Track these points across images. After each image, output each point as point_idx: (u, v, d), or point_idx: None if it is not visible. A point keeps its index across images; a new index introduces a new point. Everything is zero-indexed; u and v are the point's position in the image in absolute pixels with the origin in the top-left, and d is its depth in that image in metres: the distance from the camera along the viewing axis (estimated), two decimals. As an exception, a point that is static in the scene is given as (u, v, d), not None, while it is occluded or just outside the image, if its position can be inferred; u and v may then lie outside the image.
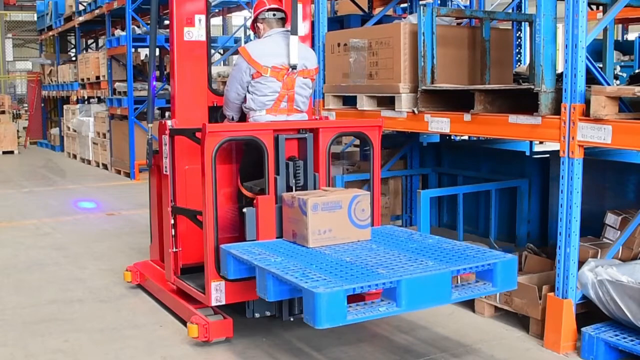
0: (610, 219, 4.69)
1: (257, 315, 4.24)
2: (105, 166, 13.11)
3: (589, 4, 4.17)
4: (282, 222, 4.05)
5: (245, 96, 4.40)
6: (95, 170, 13.29)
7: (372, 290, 3.20)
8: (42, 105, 18.74)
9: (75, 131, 14.72)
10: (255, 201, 4.06)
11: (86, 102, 14.85)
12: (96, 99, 14.20)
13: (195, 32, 4.61)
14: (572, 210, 3.92)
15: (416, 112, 4.83)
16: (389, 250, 3.76)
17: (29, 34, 24.87)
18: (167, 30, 8.22)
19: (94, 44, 18.93)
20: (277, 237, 4.06)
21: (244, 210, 4.07)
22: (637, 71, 7.52)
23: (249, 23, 8.73)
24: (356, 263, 3.48)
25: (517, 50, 8.27)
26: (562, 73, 3.94)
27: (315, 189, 4.22)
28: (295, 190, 4.19)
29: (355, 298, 3.25)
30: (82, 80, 14.07)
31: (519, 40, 8.40)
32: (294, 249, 3.82)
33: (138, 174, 11.55)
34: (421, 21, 4.73)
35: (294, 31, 4.32)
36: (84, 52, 15.91)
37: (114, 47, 12.05)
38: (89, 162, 13.99)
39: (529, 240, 5.37)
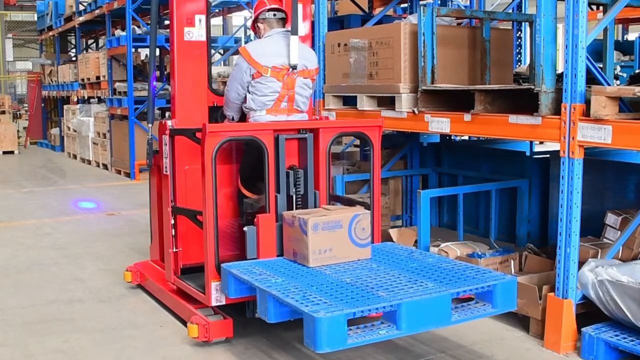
0: (611, 219, 4.69)
1: (257, 315, 4.23)
2: (105, 166, 13.11)
3: (589, 4, 4.17)
4: (283, 240, 4.06)
5: (246, 96, 4.40)
6: (95, 170, 13.29)
7: (373, 314, 3.22)
8: (42, 105, 18.74)
9: (75, 131, 14.72)
10: (256, 219, 4.07)
11: (86, 102, 14.85)
12: (96, 99, 14.20)
13: (196, 32, 4.61)
14: (572, 210, 3.92)
15: (416, 112, 4.83)
16: (389, 270, 3.78)
17: (29, 34, 24.88)
18: (167, 30, 8.22)
19: (94, 44, 18.92)
20: (277, 255, 4.07)
21: (245, 229, 4.08)
22: (637, 71, 7.52)
23: (249, 23, 8.72)
24: (356, 284, 3.49)
25: (517, 50, 8.26)
26: (562, 73, 3.94)
27: (315, 206, 4.23)
28: (296, 201, 4.20)
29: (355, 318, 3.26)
30: (82, 80, 14.07)
31: (519, 40, 8.39)
32: (295, 268, 3.83)
33: (138, 174, 11.55)
34: (421, 21, 4.73)
35: (294, 31, 4.32)
36: (84, 52, 15.90)
37: (114, 47, 12.05)
38: (89, 162, 13.99)
39: (529, 240, 5.36)
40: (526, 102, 4.07)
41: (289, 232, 3.97)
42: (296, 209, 4.20)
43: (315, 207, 4.23)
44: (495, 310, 3.56)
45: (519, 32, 8.36)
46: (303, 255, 3.86)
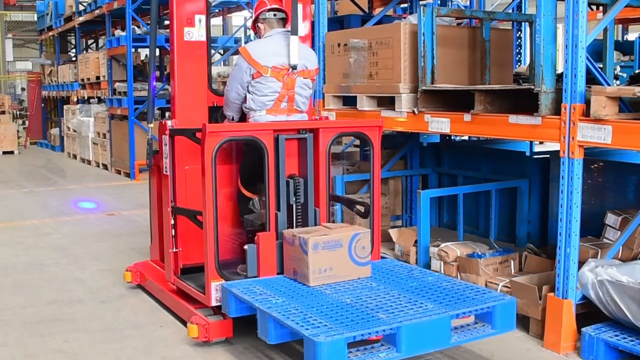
0: (610, 219, 4.69)
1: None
2: (105, 166, 13.11)
3: (589, 4, 4.17)
4: (283, 258, 4.07)
5: (246, 96, 4.40)
6: (95, 170, 13.29)
7: (373, 337, 3.23)
8: (42, 105, 18.74)
9: (75, 131, 14.72)
10: (256, 237, 4.08)
11: (86, 102, 14.85)
12: (96, 99, 14.20)
13: (196, 32, 4.61)
14: (572, 210, 3.92)
15: (416, 112, 4.83)
16: (389, 289, 3.80)
17: (29, 34, 24.85)
18: (167, 30, 8.21)
19: (94, 44, 18.92)
20: (278, 273, 4.09)
21: (245, 247, 4.09)
22: (637, 71, 7.52)
23: (249, 23, 8.73)
24: (356, 306, 3.51)
25: (517, 50, 8.26)
26: (562, 73, 3.94)
27: (316, 222, 4.23)
28: (296, 211, 4.20)
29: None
30: (82, 80, 14.07)
31: (519, 40, 8.39)
32: (295, 287, 3.85)
33: (138, 174, 11.55)
34: (421, 21, 4.73)
35: (294, 31, 4.32)
36: (84, 52, 15.90)
37: (114, 47, 12.05)
38: (89, 162, 13.99)
39: (529, 240, 5.36)
40: (526, 102, 4.07)
41: (290, 251, 3.98)
42: (296, 221, 4.21)
43: (315, 223, 4.23)
44: (495, 332, 3.58)
45: (519, 32, 8.36)
46: (303, 274, 3.87)
